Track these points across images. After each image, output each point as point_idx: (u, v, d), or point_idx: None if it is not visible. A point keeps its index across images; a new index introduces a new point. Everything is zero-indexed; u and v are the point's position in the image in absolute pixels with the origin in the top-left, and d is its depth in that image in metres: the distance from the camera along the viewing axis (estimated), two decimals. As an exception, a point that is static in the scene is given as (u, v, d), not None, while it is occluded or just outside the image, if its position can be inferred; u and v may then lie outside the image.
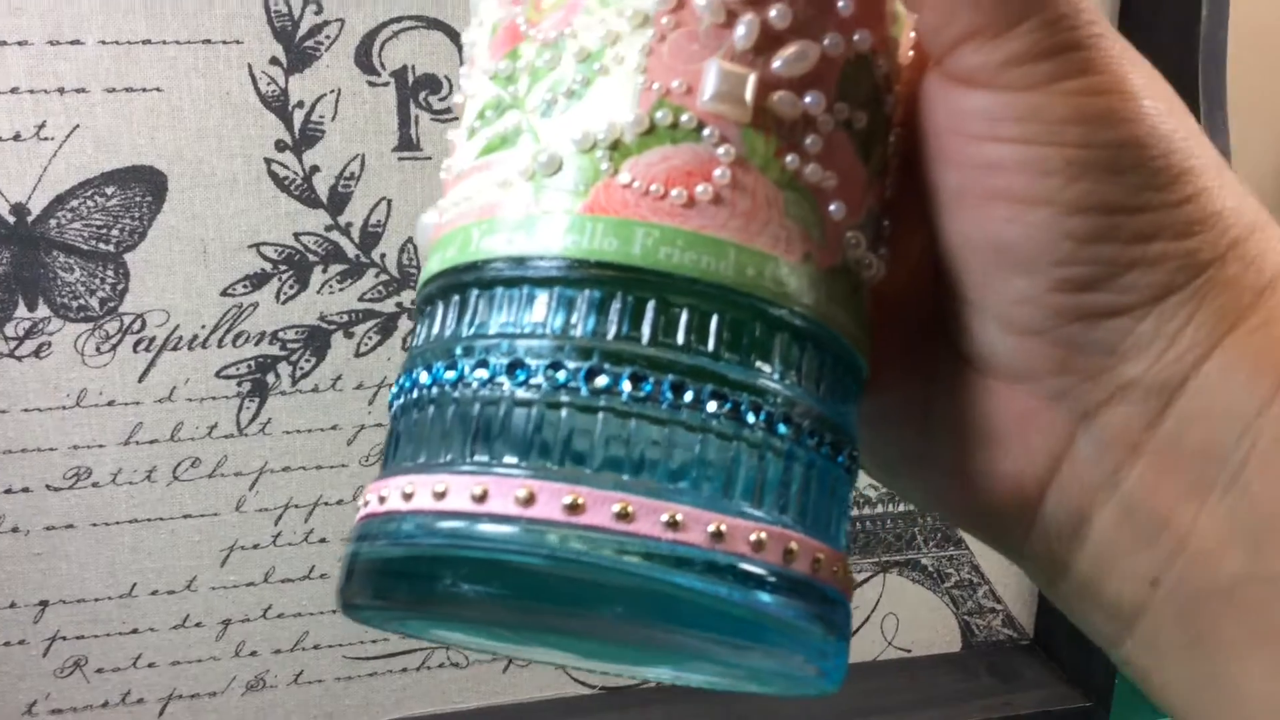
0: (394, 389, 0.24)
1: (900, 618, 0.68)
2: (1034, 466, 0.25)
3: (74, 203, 0.51)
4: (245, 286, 0.54)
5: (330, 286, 0.55)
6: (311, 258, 0.54)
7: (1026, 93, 0.23)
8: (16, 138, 0.49)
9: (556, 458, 0.21)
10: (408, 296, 0.56)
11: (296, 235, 0.53)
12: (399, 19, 0.52)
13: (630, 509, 0.21)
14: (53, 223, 0.51)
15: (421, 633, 0.26)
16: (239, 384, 0.55)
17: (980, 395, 0.26)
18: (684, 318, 0.22)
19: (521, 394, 0.22)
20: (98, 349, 0.53)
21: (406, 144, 0.54)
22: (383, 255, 0.55)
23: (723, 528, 0.21)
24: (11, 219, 0.50)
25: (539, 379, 0.22)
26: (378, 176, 0.54)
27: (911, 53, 0.26)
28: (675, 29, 0.23)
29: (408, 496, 0.22)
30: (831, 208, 0.24)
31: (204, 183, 0.52)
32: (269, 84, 0.51)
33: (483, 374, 0.22)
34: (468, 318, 0.23)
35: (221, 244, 0.53)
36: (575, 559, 0.21)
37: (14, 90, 0.49)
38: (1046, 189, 0.23)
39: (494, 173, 0.24)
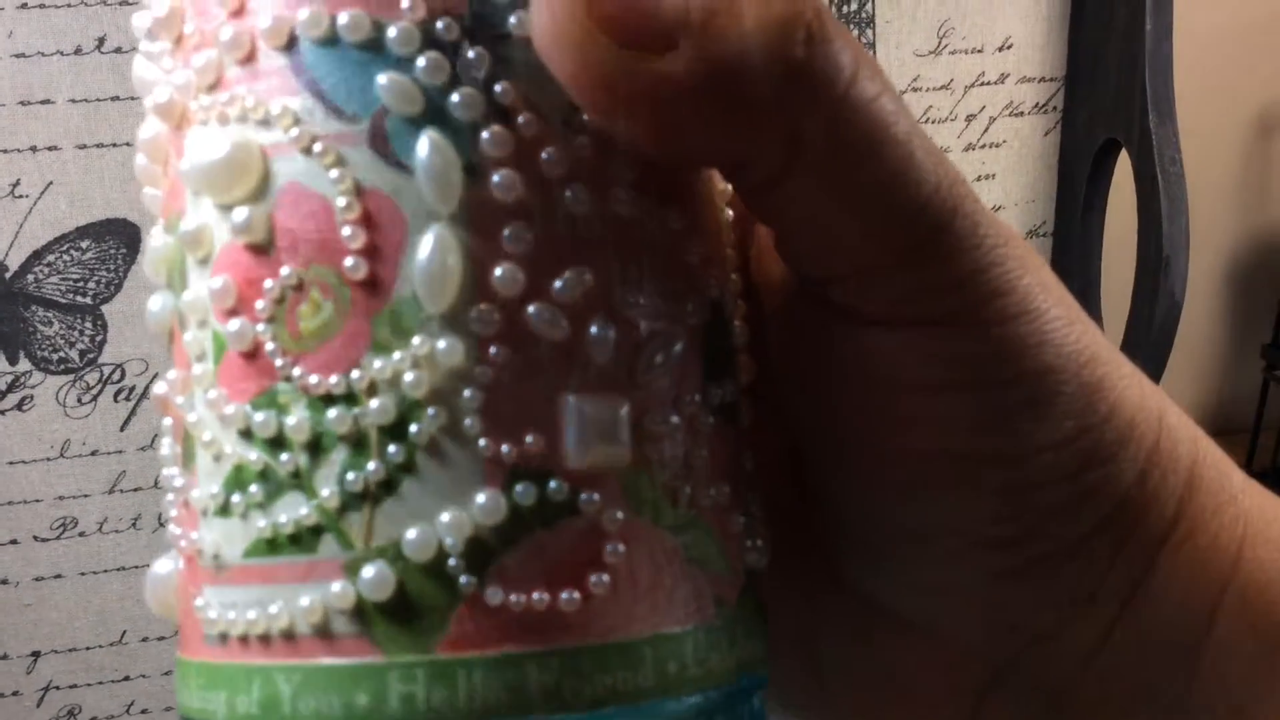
0: None
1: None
2: (951, 714, 0.22)
3: (50, 257, 0.52)
4: (222, 333, 0.54)
5: (306, 329, 0.55)
6: (286, 302, 0.55)
7: (929, 328, 0.19)
8: (-8, 197, 0.51)
9: None
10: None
11: (270, 280, 0.55)
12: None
13: None
14: (30, 278, 0.52)
15: None
16: (220, 429, 0.56)
17: (881, 642, 0.22)
18: None
19: None
20: (79, 400, 0.54)
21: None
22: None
23: None
24: (-10, 276, 0.51)
25: None
26: (348, 220, 0.55)
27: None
28: (509, 361, 0.17)
29: None
30: (730, 525, 0.19)
31: (177, 233, 0.53)
32: (237, 134, 0.53)
33: None
34: None
35: (197, 292, 0.54)
36: None
37: (-12, 151, 0.50)
38: (962, 439, 0.19)
39: (290, 590, 0.17)
